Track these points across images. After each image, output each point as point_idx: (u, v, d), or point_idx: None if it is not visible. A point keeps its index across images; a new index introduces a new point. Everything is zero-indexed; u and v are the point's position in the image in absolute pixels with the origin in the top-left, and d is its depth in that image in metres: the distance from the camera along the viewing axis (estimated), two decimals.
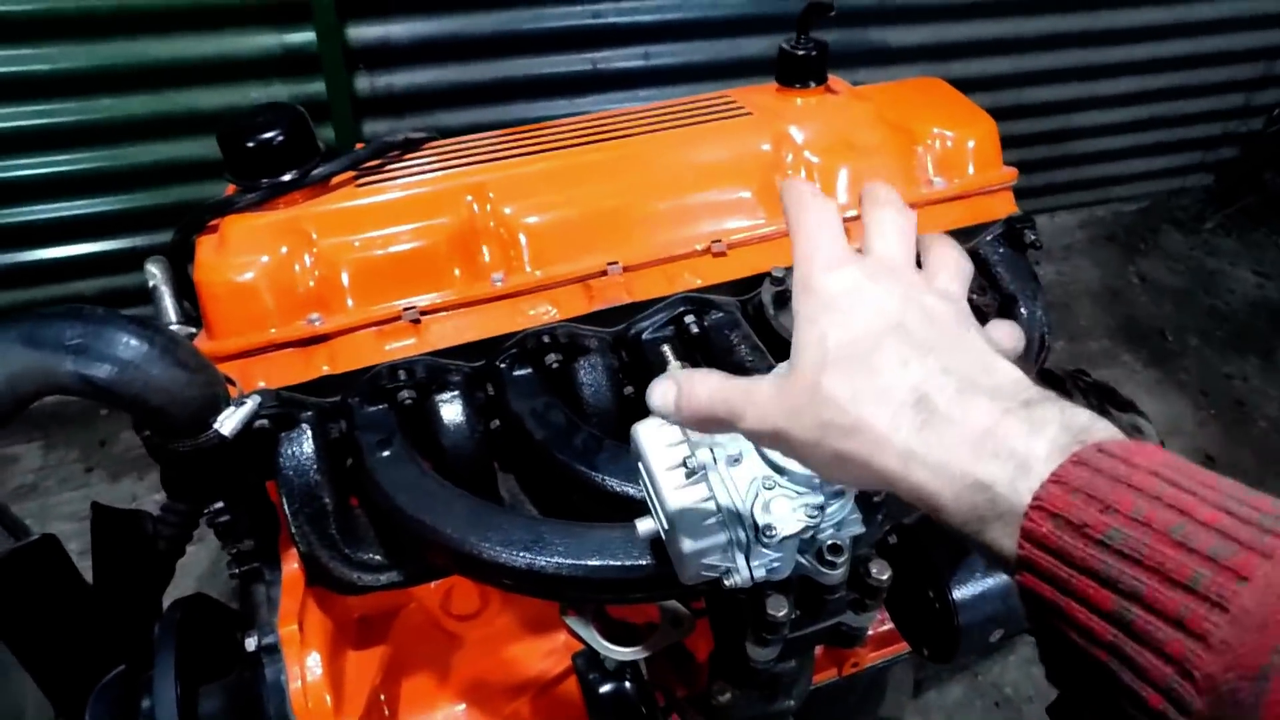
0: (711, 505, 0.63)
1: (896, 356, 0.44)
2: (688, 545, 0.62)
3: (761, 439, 0.49)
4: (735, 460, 0.64)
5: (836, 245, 0.49)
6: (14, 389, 0.70)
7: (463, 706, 1.06)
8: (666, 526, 0.65)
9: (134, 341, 0.73)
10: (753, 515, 0.62)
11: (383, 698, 1.02)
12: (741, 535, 0.62)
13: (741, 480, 0.63)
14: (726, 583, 0.63)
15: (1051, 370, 1.25)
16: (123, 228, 2.01)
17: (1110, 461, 0.37)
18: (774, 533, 0.61)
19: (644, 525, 0.69)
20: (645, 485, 0.68)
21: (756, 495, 0.62)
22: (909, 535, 0.98)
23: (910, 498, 0.43)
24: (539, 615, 1.07)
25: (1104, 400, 1.29)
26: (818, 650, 1.16)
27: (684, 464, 0.65)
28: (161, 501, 0.99)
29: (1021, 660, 2.05)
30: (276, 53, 1.87)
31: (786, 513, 0.62)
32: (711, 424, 0.52)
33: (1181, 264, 3.16)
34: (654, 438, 0.68)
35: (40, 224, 1.99)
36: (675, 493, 0.65)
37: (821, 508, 0.62)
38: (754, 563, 0.63)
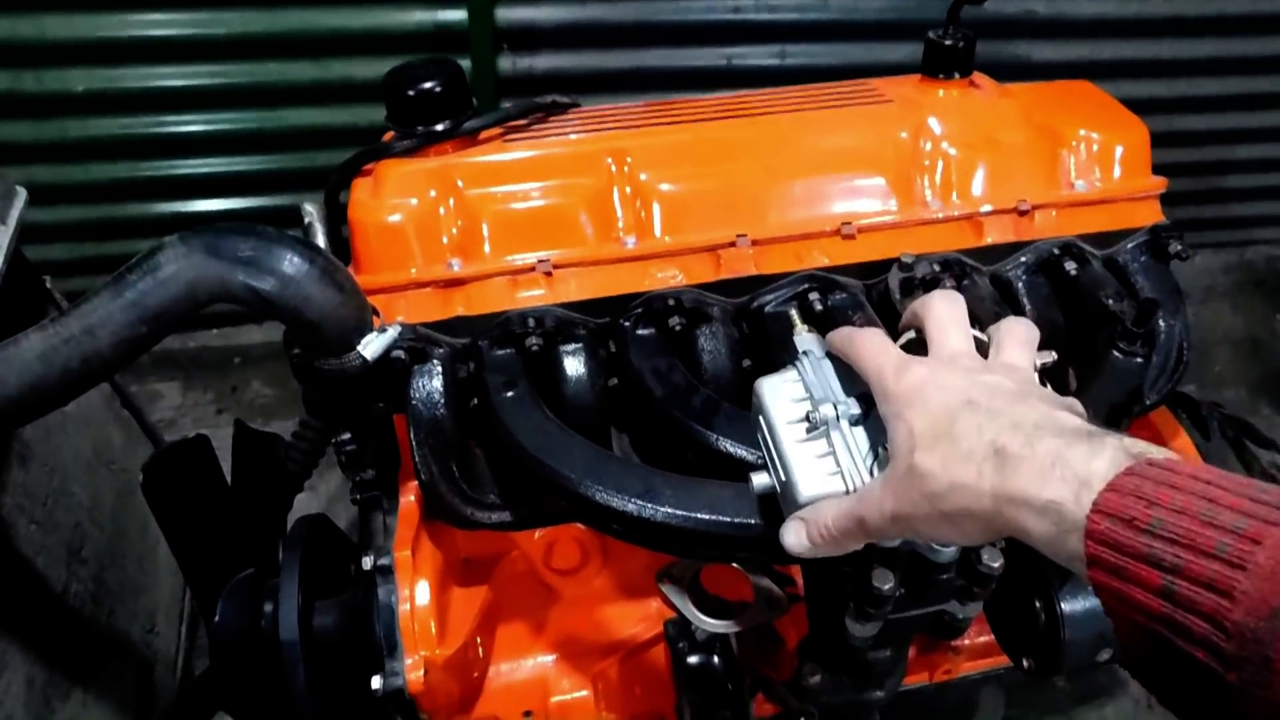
0: (831, 461, 0.64)
1: (972, 425, 0.53)
2: (804, 496, 0.63)
3: (886, 531, 0.58)
4: (858, 420, 0.65)
5: (895, 354, 0.61)
6: (193, 293, 0.77)
7: (553, 658, 1.09)
8: (784, 479, 0.66)
9: (298, 260, 0.79)
10: (873, 473, 0.62)
11: (479, 639, 1.05)
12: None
13: (863, 439, 0.64)
14: None
15: (1188, 395, 1.19)
16: (275, 186, 2.14)
17: (1155, 470, 0.45)
18: None
19: (759, 479, 0.70)
20: (764, 439, 0.69)
21: (878, 454, 0.62)
22: (1020, 545, 0.96)
23: (1009, 533, 0.51)
24: (635, 580, 1.09)
25: (1240, 434, 1.22)
26: (911, 653, 1.14)
27: (806, 418, 0.65)
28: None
29: (1120, 713, 1.94)
30: (429, 29, 1.96)
31: None
32: (847, 540, 0.61)
33: None
34: (777, 392, 0.69)
35: (202, 178, 2.14)
36: (796, 445, 0.65)
37: None
38: None
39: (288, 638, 0.88)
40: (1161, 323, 0.99)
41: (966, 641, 1.15)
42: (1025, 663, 0.98)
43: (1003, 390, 0.55)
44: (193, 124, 2.06)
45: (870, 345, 0.63)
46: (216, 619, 0.92)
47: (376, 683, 0.88)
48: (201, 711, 0.91)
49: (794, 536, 0.63)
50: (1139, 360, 0.92)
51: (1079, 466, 0.47)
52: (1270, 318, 2.93)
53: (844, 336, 0.66)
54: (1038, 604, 0.94)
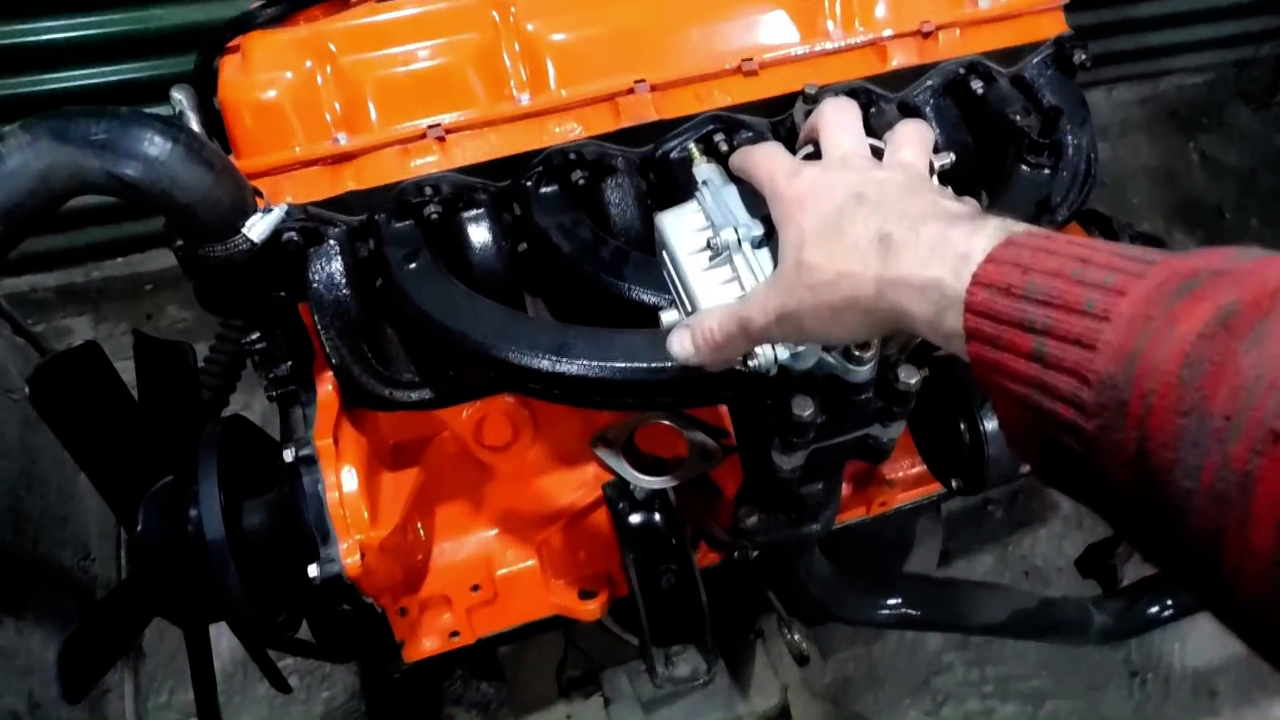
0: (736, 286, 0.63)
1: (859, 217, 0.53)
2: None
3: (772, 330, 0.58)
4: (761, 241, 0.63)
5: (788, 161, 0.60)
6: (48, 184, 0.71)
7: (495, 533, 1.09)
8: (690, 309, 0.64)
9: (158, 139, 0.73)
10: None
11: (417, 522, 1.05)
12: None
13: (767, 261, 0.62)
14: (751, 364, 0.63)
15: (1097, 210, 1.20)
16: (154, 94, 2.00)
17: (1034, 239, 0.45)
18: None
19: (668, 316, 0.69)
20: (669, 274, 0.68)
21: None
22: (941, 366, 0.97)
23: (892, 321, 0.52)
24: (569, 448, 1.09)
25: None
26: (847, 489, 1.16)
27: (708, 246, 0.64)
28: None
29: (1052, 534, 2.05)
30: None
31: None
32: (731, 344, 0.60)
33: (1249, 141, 3.00)
34: (679, 223, 0.67)
35: (69, 92, 1.98)
36: (700, 274, 0.64)
37: None
38: (778, 345, 0.63)
39: (214, 537, 0.86)
40: (1070, 136, 0.98)
41: (900, 474, 1.18)
42: (954, 483, 1.01)
43: (893, 185, 0.55)
44: (52, 30, 1.89)
45: (763, 154, 0.62)
46: (139, 528, 0.89)
47: (313, 571, 0.87)
48: (128, 622, 0.90)
49: (678, 343, 0.63)
50: (1046, 172, 0.92)
51: (960, 244, 0.48)
52: (1184, 147, 2.98)
53: (740, 154, 0.65)
54: (961, 424, 0.96)
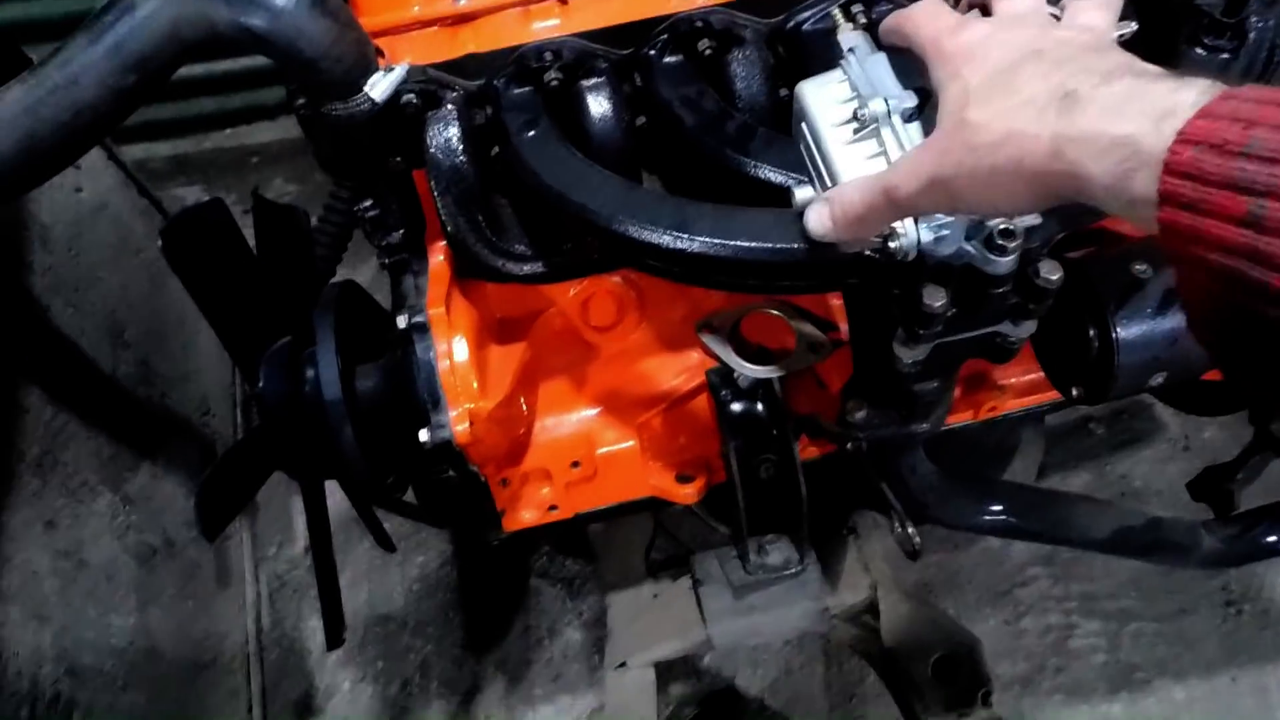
0: (883, 161, 0.59)
1: (1036, 73, 0.47)
2: None
3: (921, 199, 0.52)
4: (912, 114, 0.59)
5: (953, 17, 0.55)
6: (178, 34, 0.71)
7: (596, 412, 1.10)
8: (830, 186, 0.61)
9: None
10: None
11: (521, 396, 1.06)
12: None
13: (917, 135, 0.58)
14: (891, 245, 0.60)
15: None
16: None
17: (1257, 91, 0.40)
18: None
19: (802, 192, 0.65)
20: (808, 147, 0.64)
21: None
22: (1074, 269, 0.91)
23: (1063, 187, 0.46)
24: (674, 332, 1.08)
25: None
26: (956, 392, 1.13)
27: (854, 117, 0.60)
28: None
29: (1157, 456, 1.97)
30: None
31: None
32: (874, 216, 0.56)
33: None
34: (821, 92, 0.63)
35: None
36: (843, 148, 0.60)
37: None
38: (922, 225, 0.59)
39: (331, 398, 0.88)
40: (1253, 15, 0.88)
41: (1011, 379, 1.14)
42: (1074, 391, 0.97)
43: (1076, 42, 0.50)
44: None
45: (923, 13, 0.56)
46: (260, 384, 0.93)
47: (424, 435, 0.89)
48: (254, 470, 0.94)
49: (816, 218, 0.60)
50: (1225, 57, 0.83)
51: (1162, 99, 0.42)
52: None
53: (896, 16, 0.59)
54: (1091, 329, 0.91)
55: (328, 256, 1.43)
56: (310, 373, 0.93)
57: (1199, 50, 0.83)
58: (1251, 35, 0.87)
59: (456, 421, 0.88)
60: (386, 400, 0.93)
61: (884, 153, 0.59)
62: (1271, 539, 1.16)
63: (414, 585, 1.86)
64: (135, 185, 1.34)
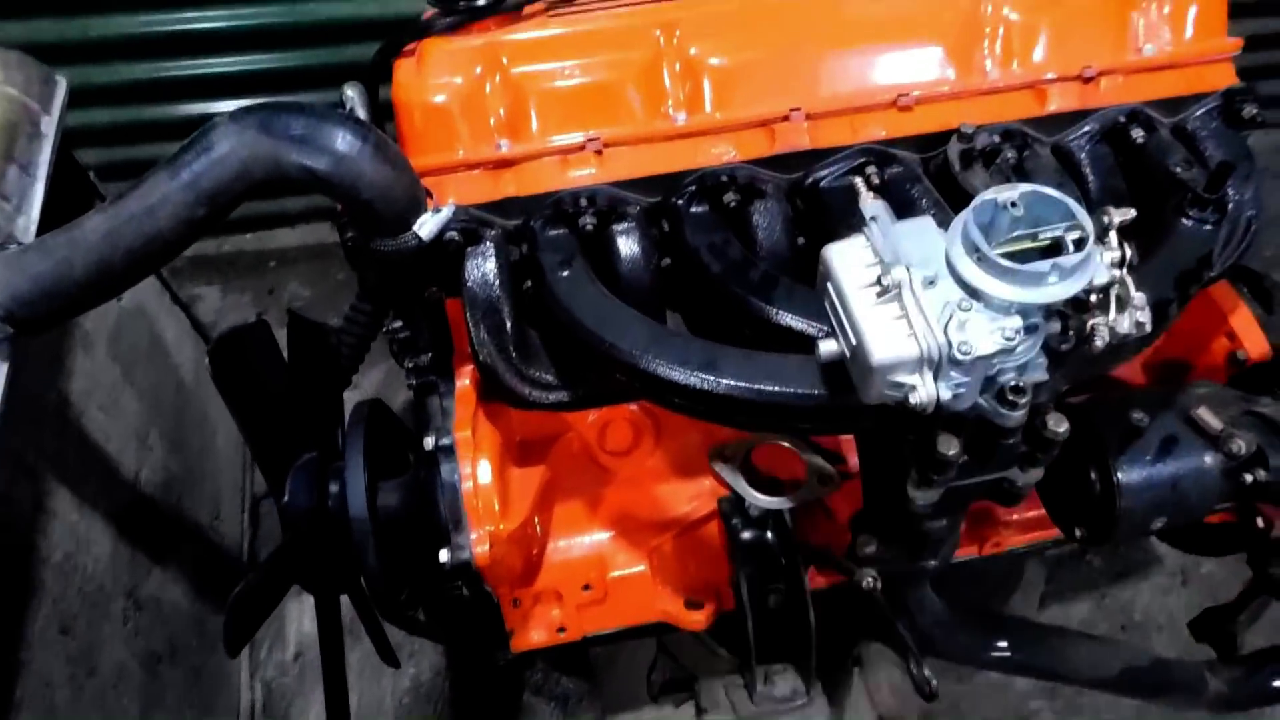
0: (905, 324, 0.63)
1: None
2: (877, 358, 0.63)
3: None
4: (931, 282, 0.64)
5: None
6: (248, 171, 0.77)
7: (609, 535, 1.12)
8: (854, 343, 0.65)
9: (350, 137, 0.78)
10: (947, 333, 0.61)
11: (537, 517, 1.08)
12: (933, 352, 0.62)
13: (936, 300, 0.63)
14: (911, 400, 0.64)
15: (1249, 267, 1.16)
16: (303, 83, 2.10)
17: None
18: (968, 350, 0.61)
19: (827, 346, 0.70)
20: (833, 305, 0.69)
21: (951, 315, 0.62)
22: (1077, 413, 0.95)
23: None
24: (688, 459, 1.11)
25: None
26: (961, 527, 1.15)
27: (878, 282, 0.65)
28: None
29: (1155, 588, 1.98)
30: None
31: (982, 333, 0.61)
32: None
33: None
34: (847, 256, 0.68)
35: (229, 76, 2.10)
36: (868, 309, 0.65)
37: (1018, 331, 0.61)
38: (940, 383, 0.63)
39: (357, 514, 0.90)
40: (1231, 190, 0.95)
41: (1015, 516, 1.16)
42: (1077, 532, 0.99)
43: None
44: (216, 20, 2.01)
45: None
46: (286, 498, 0.95)
47: (444, 556, 0.91)
48: (278, 585, 0.95)
49: None
50: (1209, 228, 0.90)
51: None
52: None
53: None
54: (1093, 473, 0.94)
55: (347, 367, 1.47)
56: (335, 488, 0.95)
57: (1185, 220, 0.90)
58: (1231, 206, 0.95)
59: (478, 544, 0.90)
60: (408, 518, 0.96)
61: (906, 316, 0.63)
62: (1278, 683, 1.17)
63: (404, 697, 1.82)
64: (169, 291, 1.39)
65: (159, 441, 1.23)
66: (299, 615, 1.76)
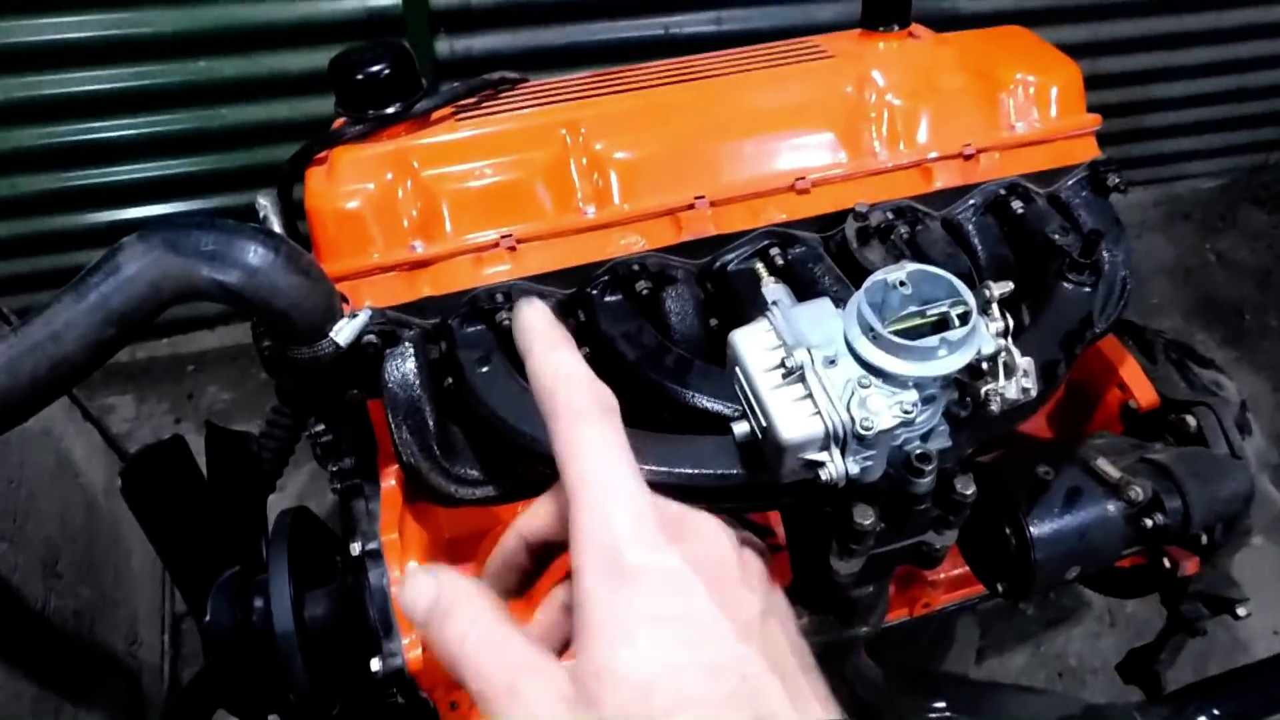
0: (809, 403, 0.66)
1: None
2: (785, 438, 0.65)
3: None
4: (831, 361, 0.67)
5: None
6: (158, 291, 0.76)
7: None
8: (764, 424, 0.68)
9: (262, 250, 0.78)
10: (849, 410, 0.64)
11: None
12: (838, 429, 0.65)
13: (838, 379, 0.66)
14: (822, 476, 0.66)
15: (1132, 322, 1.24)
16: (216, 187, 2.10)
17: None
18: (870, 425, 0.63)
19: (740, 427, 0.72)
20: (742, 389, 0.71)
21: (853, 393, 0.65)
22: (986, 472, 1.00)
23: None
24: None
25: (1183, 356, 1.28)
26: (891, 589, 1.18)
27: (782, 364, 0.68)
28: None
29: (1087, 633, 2.04)
30: (361, 16, 1.94)
31: (882, 408, 0.64)
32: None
33: (1263, 242, 3.07)
34: (751, 341, 0.71)
35: (137, 183, 2.09)
36: (773, 392, 0.67)
37: (916, 404, 0.64)
38: (848, 458, 0.66)
39: (283, 630, 0.88)
40: (1105, 253, 1.03)
41: (942, 575, 1.19)
42: (999, 586, 1.03)
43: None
44: (122, 129, 2.00)
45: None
46: (208, 618, 0.92)
47: (376, 665, 0.89)
48: (201, 711, 0.91)
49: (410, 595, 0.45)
50: (1087, 290, 0.96)
51: None
52: (1200, 247, 3.05)
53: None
54: (1007, 529, 0.98)
55: (269, 473, 1.44)
56: (260, 603, 0.93)
57: (1066, 284, 0.97)
58: (1106, 267, 1.02)
59: (410, 649, 0.89)
60: (337, 628, 0.93)
61: (810, 395, 0.66)
62: (1202, 718, 1.21)
63: None
64: (79, 408, 1.35)
65: (69, 568, 1.18)
66: None
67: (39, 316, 0.74)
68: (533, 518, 0.52)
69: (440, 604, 0.43)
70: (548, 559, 0.54)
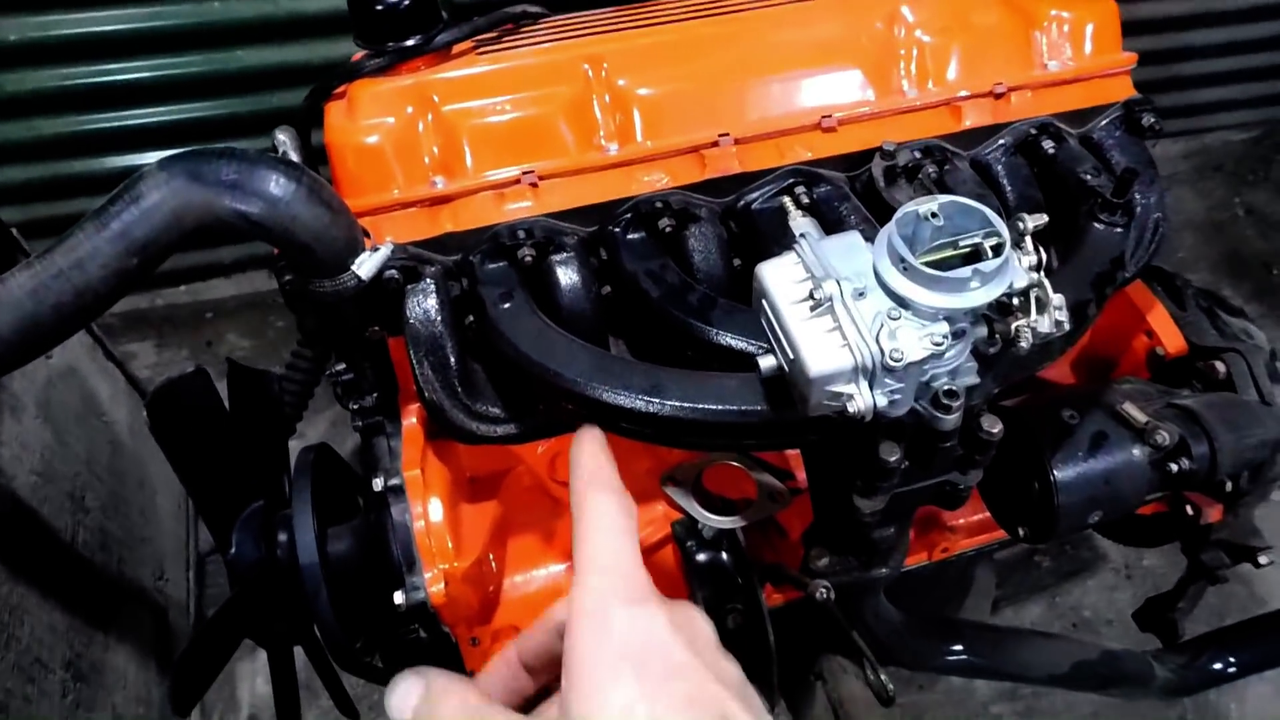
0: (838, 335, 0.65)
1: None
2: (814, 370, 0.64)
3: None
4: (861, 294, 0.66)
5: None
6: (180, 221, 0.76)
7: (565, 567, 1.11)
8: (791, 357, 0.67)
9: (284, 180, 0.77)
10: (878, 342, 0.63)
11: (491, 553, 1.07)
12: (867, 361, 0.64)
13: (867, 311, 0.65)
14: (850, 409, 0.65)
15: (1162, 268, 1.22)
16: (230, 131, 2.08)
17: None
18: (900, 357, 0.63)
19: (766, 362, 0.71)
20: (769, 322, 0.71)
21: (882, 325, 0.64)
22: (1011, 416, 0.99)
23: None
24: (639, 485, 1.10)
25: (1213, 304, 1.26)
26: (911, 534, 1.18)
27: (810, 296, 0.67)
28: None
29: (1102, 585, 2.04)
30: None
31: (912, 340, 0.63)
32: None
33: None
34: (779, 274, 0.70)
35: (153, 127, 2.07)
36: (801, 324, 0.67)
37: (946, 336, 0.63)
38: (876, 391, 0.65)
39: (307, 562, 0.89)
40: (1138, 194, 1.01)
41: (961, 520, 1.19)
42: (1021, 531, 1.02)
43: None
44: (137, 71, 1.98)
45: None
46: (233, 551, 0.93)
47: (399, 598, 0.90)
48: (227, 640, 0.93)
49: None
50: (1119, 230, 0.94)
51: None
52: (1230, 201, 2.99)
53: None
54: (1030, 473, 0.97)
55: (290, 415, 1.45)
56: (284, 537, 0.94)
57: (1097, 225, 0.95)
58: (1138, 209, 1.00)
59: (432, 583, 0.89)
60: (360, 563, 0.94)
61: (839, 327, 0.65)
62: (1218, 666, 1.21)
63: None
64: (101, 348, 1.36)
65: (96, 503, 1.19)
66: (251, 675, 1.71)
67: (62, 244, 0.74)
68: (528, 640, 0.59)
69: (429, 698, 0.49)
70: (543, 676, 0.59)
